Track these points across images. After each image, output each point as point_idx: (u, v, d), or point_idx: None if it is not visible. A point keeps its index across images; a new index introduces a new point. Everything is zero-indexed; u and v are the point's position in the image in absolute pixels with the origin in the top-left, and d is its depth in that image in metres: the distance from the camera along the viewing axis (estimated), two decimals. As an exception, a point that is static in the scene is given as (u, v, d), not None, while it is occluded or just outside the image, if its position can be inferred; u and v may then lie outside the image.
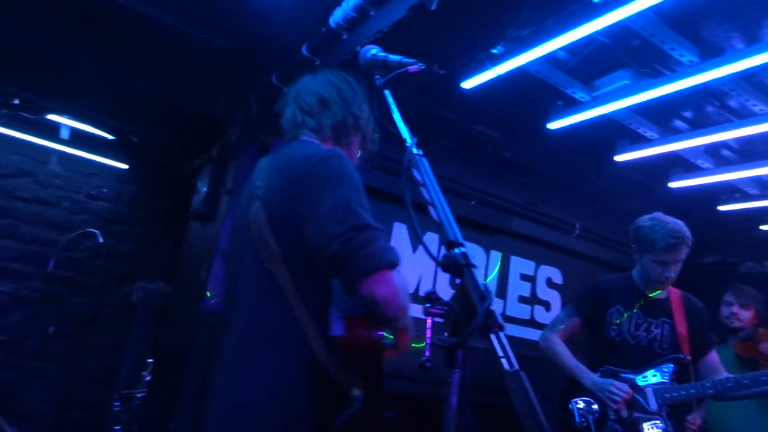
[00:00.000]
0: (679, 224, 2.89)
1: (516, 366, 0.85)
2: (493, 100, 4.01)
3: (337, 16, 2.92)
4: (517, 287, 5.32)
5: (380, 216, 4.62)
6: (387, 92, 1.49)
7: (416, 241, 4.60)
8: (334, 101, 1.80)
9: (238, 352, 1.50)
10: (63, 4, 3.57)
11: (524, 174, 5.33)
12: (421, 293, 4.69)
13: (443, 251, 1.10)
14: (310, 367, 1.41)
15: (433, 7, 2.33)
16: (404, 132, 1.38)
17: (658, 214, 2.97)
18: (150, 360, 4.06)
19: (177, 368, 3.89)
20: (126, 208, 5.69)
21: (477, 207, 4.99)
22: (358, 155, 1.92)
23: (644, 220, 3.00)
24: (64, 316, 5.24)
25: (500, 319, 0.91)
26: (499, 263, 5.20)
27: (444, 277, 4.82)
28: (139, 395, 3.97)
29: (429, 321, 1.02)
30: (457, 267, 1.01)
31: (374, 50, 1.55)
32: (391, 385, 4.55)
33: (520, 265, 5.37)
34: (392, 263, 1.39)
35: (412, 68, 1.47)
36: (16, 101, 4.49)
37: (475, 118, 4.58)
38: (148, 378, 3.96)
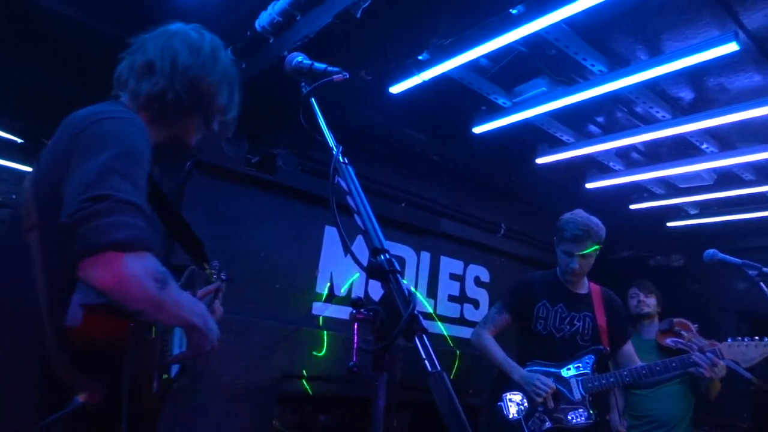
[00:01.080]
0: (592, 221, 3.07)
1: (438, 367, 0.89)
2: (421, 105, 4.11)
3: (263, 20, 2.90)
4: (447, 286, 5.46)
5: (311, 219, 4.59)
6: (313, 100, 1.49)
7: (345, 247, 4.62)
8: (160, 70, 1.53)
9: None
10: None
11: (451, 176, 5.49)
12: (355, 296, 4.72)
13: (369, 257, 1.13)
14: (37, 367, 1.19)
15: (358, 15, 2.37)
16: (330, 140, 1.39)
17: (578, 211, 3.16)
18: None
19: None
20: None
21: (406, 209, 5.09)
22: (195, 136, 1.65)
23: (565, 214, 3.19)
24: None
25: (423, 323, 0.95)
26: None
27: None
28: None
29: (355, 326, 1.05)
30: (382, 273, 1.04)
31: (300, 57, 1.53)
32: (321, 388, 4.56)
33: (449, 264, 5.52)
34: (120, 243, 1.11)
35: (337, 77, 1.48)
36: None
37: (403, 121, 4.67)
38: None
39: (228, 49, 1.73)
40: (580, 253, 3.03)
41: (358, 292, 4.75)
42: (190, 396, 3.72)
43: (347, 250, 1.14)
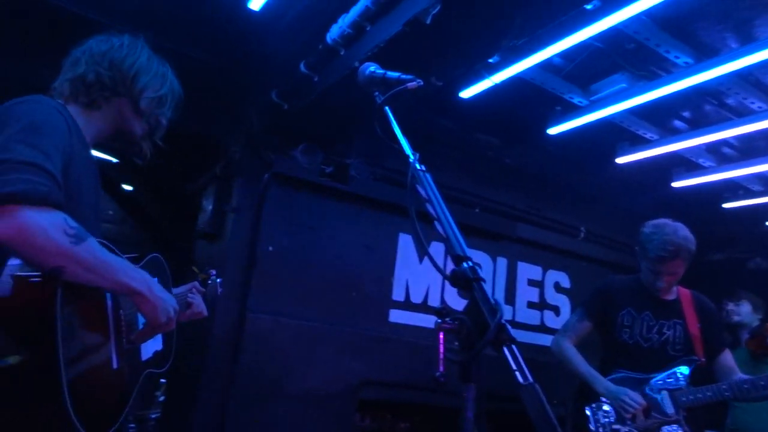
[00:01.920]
0: (679, 235, 2.81)
1: (530, 379, 0.85)
2: (492, 108, 4.04)
3: (333, 33, 2.96)
4: (526, 293, 5.31)
5: (385, 227, 4.62)
6: (387, 109, 1.49)
7: (423, 254, 4.61)
8: (81, 60, 1.62)
9: None
10: (44, 28, 3.59)
11: (526, 179, 5.35)
12: (431, 303, 4.70)
13: (450, 263, 1.11)
14: None
15: (428, 22, 2.36)
16: (406, 148, 1.38)
17: (663, 221, 2.92)
18: (163, 381, 4.07)
19: (191, 388, 3.90)
20: (132, 230, 5.74)
21: (481, 214, 5.01)
22: (135, 123, 1.68)
23: (648, 225, 2.98)
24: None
25: (512, 332, 0.92)
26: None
27: (453, 288, 4.82)
28: (153, 416, 3.97)
29: (441, 335, 1.02)
30: (465, 281, 1.02)
31: (372, 67, 1.54)
32: (405, 396, 4.56)
33: (527, 270, 5.37)
34: (16, 194, 1.15)
35: (411, 85, 1.47)
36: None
37: (474, 126, 4.62)
38: (161, 399, 3.97)
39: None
40: (669, 273, 2.84)
41: (433, 300, 4.72)
42: (270, 402, 3.83)
43: (423, 253, 1.12)
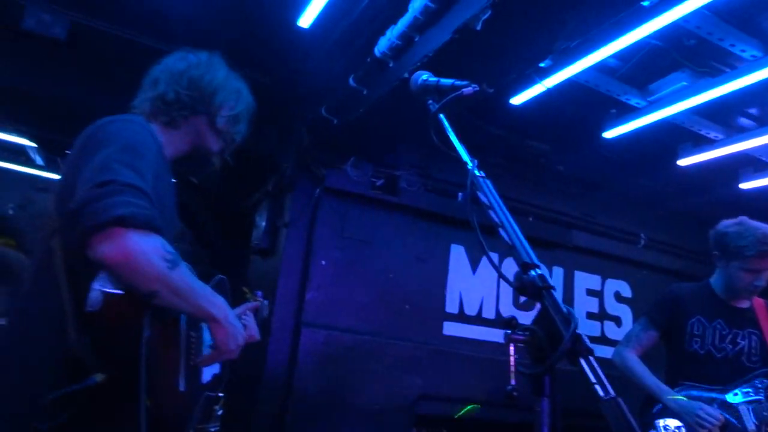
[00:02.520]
0: None
1: (612, 393, 0.80)
2: (543, 114, 3.95)
3: (381, 46, 2.97)
4: (584, 303, 5.13)
5: (436, 238, 4.57)
6: (442, 116, 1.46)
7: (491, 265, 4.54)
8: (161, 79, 1.64)
9: (3, 338, 1.36)
10: (118, 61, 3.78)
11: (581, 186, 5.20)
12: (485, 315, 4.60)
13: (509, 270, 1.07)
14: (57, 352, 1.23)
15: (478, 28, 2.33)
16: (464, 155, 1.34)
17: (744, 219, 2.77)
18: (221, 395, 4.13)
19: (248, 402, 3.95)
20: (188, 246, 5.90)
21: (534, 223, 4.88)
22: (212, 139, 1.70)
23: (729, 225, 2.81)
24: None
25: (588, 343, 0.86)
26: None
27: (507, 297, 4.72)
28: (212, 429, 4.03)
29: (511, 347, 0.97)
30: (534, 290, 0.97)
31: (425, 75, 1.51)
32: (477, 414, 4.46)
33: (584, 279, 5.19)
34: (123, 218, 1.15)
35: (467, 90, 1.43)
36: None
37: (525, 132, 4.52)
38: (220, 412, 4.03)
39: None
40: (766, 269, 2.67)
41: (488, 312, 4.62)
42: (327, 416, 3.83)
43: (494, 266, 1.08)
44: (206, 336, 1.56)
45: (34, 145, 4.72)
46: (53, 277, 1.29)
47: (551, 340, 0.92)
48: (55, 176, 5.35)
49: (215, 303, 1.36)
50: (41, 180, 5.43)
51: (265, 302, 2.21)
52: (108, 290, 1.22)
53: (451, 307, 4.52)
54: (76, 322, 1.23)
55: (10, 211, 5.40)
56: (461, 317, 4.53)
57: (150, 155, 1.37)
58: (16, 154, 5.19)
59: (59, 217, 1.33)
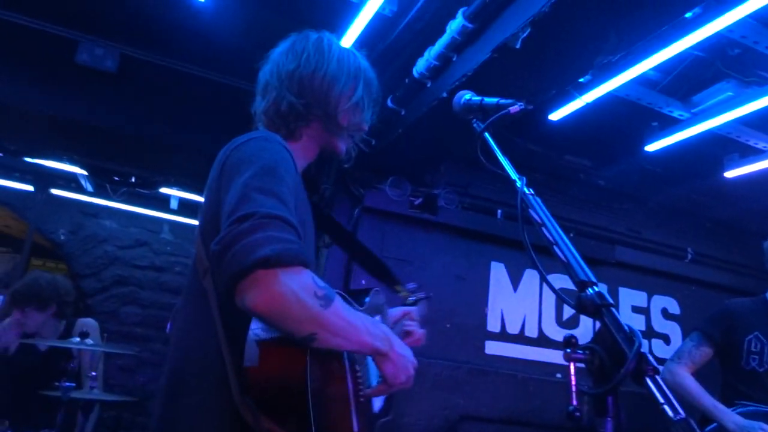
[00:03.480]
0: None
1: (682, 413, 0.78)
2: (583, 129, 3.91)
3: (420, 67, 3.00)
4: (630, 320, 4.96)
5: (476, 256, 4.54)
6: (487, 135, 1.45)
7: (547, 285, 4.49)
8: (270, 85, 1.48)
9: (162, 393, 1.25)
10: (165, 90, 3.95)
11: (623, 200, 5.10)
12: (528, 333, 4.53)
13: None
14: (227, 413, 1.13)
15: (518, 46, 2.34)
16: (512, 173, 1.33)
17: None
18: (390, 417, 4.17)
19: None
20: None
21: (576, 239, 4.80)
22: (337, 142, 1.53)
23: None
24: (181, 375, 5.55)
25: (654, 362, 0.85)
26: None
27: (549, 315, 4.63)
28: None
29: (572, 367, 0.96)
30: (594, 308, 0.96)
31: (468, 95, 1.48)
32: (497, 430, 4.37)
33: (630, 296, 5.05)
34: (268, 259, 1.01)
35: (513, 109, 1.41)
36: (133, 179, 4.96)
37: (564, 148, 4.48)
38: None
39: (356, 50, 1.61)
40: None
41: (530, 330, 4.55)
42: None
43: (550, 287, 1.07)
44: (371, 365, 1.41)
45: (84, 172, 4.93)
46: (210, 324, 1.19)
47: (613, 359, 0.90)
48: (104, 202, 5.57)
49: (378, 335, 1.21)
50: (91, 206, 5.66)
51: (421, 294, 1.89)
52: (263, 338, 1.13)
53: (493, 326, 4.46)
54: (237, 380, 1.12)
55: (62, 237, 5.64)
56: (503, 336, 4.47)
57: (289, 177, 1.22)
58: (68, 181, 5.43)
59: (207, 256, 1.21)
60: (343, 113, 1.48)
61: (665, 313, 5.15)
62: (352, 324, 1.14)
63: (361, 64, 1.55)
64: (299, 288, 1.04)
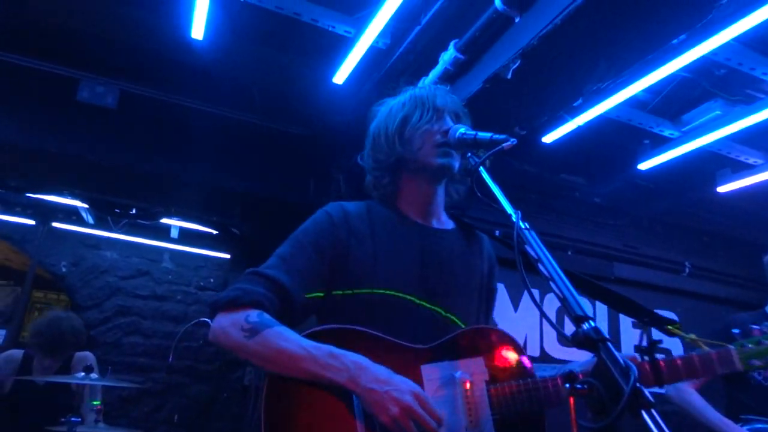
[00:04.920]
0: None
1: (677, 446, 0.81)
2: (576, 149, 3.98)
3: (414, 96, 3.07)
4: (631, 336, 5.01)
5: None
6: (482, 170, 1.46)
7: (544, 318, 4.51)
8: (364, 151, 1.63)
9: None
10: (163, 124, 4.02)
11: (619, 217, 5.15)
12: (530, 352, 4.53)
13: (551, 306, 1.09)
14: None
15: (509, 77, 2.41)
16: (508, 207, 1.35)
17: None
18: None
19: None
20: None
21: (574, 257, 4.84)
22: (424, 155, 1.50)
23: None
24: (186, 404, 5.53)
25: (649, 396, 0.88)
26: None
27: (551, 335, 4.65)
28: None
29: (571, 401, 1.00)
30: (590, 343, 1.00)
31: (462, 129, 1.48)
32: None
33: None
34: (214, 304, 1.31)
35: (506, 145, 1.40)
36: (134, 211, 5.01)
37: (558, 168, 4.55)
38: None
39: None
40: None
41: (532, 350, 4.56)
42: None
43: (549, 321, 1.11)
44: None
45: (85, 205, 4.98)
46: None
47: (611, 392, 0.94)
48: (105, 233, 5.61)
49: (331, 365, 1.19)
50: (92, 237, 5.69)
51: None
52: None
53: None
54: None
55: (63, 269, 5.66)
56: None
57: (309, 236, 1.44)
58: (68, 213, 5.47)
59: None
60: (402, 137, 1.53)
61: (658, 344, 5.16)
62: (286, 352, 1.22)
63: (406, 93, 1.62)
64: (228, 323, 1.27)
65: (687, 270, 5.29)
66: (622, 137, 3.82)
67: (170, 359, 5.40)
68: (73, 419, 2.84)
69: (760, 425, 2.63)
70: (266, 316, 1.28)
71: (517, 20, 2.30)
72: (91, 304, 5.59)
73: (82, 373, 3.03)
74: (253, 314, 1.28)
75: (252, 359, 1.25)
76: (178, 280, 5.99)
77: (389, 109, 1.60)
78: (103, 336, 5.52)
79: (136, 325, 5.68)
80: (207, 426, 5.49)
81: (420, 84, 2.97)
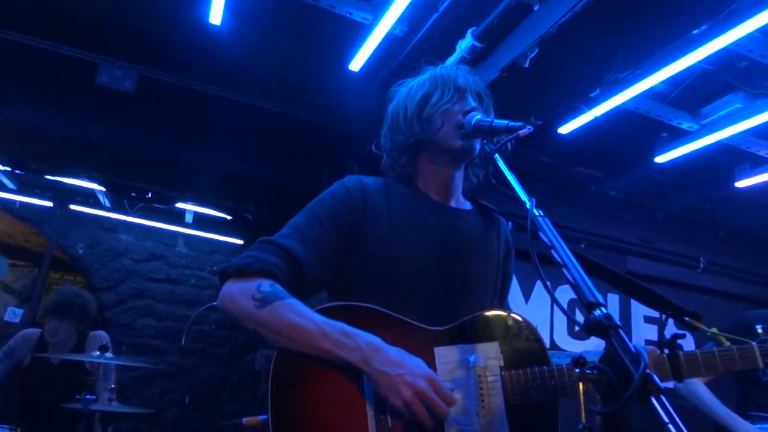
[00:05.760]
0: None
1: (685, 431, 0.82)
2: (592, 141, 3.94)
3: (430, 84, 3.06)
4: (643, 331, 4.98)
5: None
6: (498, 157, 1.44)
7: (556, 306, 4.50)
8: (383, 131, 1.60)
9: None
10: (181, 109, 4.05)
11: (634, 211, 5.10)
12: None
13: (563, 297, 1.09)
14: None
15: (526, 65, 2.39)
16: (522, 194, 1.33)
17: None
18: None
19: None
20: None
21: (587, 250, 4.81)
22: (445, 137, 1.46)
23: None
24: (197, 386, 5.61)
25: (659, 382, 0.88)
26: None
27: (561, 326, 4.64)
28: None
29: (580, 386, 1.00)
30: (602, 329, 0.99)
31: (479, 116, 1.46)
32: None
33: (642, 307, 5.04)
34: (224, 271, 1.28)
35: (522, 132, 1.37)
36: (150, 195, 5.06)
37: (574, 159, 4.51)
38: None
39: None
40: None
41: (543, 341, 4.55)
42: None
43: (559, 306, 1.11)
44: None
45: (102, 188, 5.05)
46: None
47: (620, 379, 0.94)
48: (121, 216, 5.68)
49: (344, 344, 1.17)
50: (108, 220, 5.77)
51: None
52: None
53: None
54: None
55: (80, 251, 5.75)
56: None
57: (324, 207, 1.40)
58: (86, 197, 5.55)
59: None
60: (420, 117, 1.50)
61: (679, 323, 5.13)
62: (298, 326, 1.19)
63: (426, 73, 1.58)
64: (238, 291, 1.25)
65: (702, 266, 5.24)
66: (639, 130, 3.78)
67: (183, 342, 5.47)
68: (87, 397, 2.90)
69: (765, 417, 2.62)
70: (278, 287, 1.25)
71: (536, 8, 2.28)
72: (107, 286, 5.68)
73: (97, 352, 3.09)
74: (266, 284, 1.25)
75: (260, 330, 1.22)
76: (191, 265, 6.06)
77: (409, 88, 1.56)
78: (117, 318, 5.61)
79: (149, 308, 5.76)
80: (217, 409, 5.57)
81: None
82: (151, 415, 5.27)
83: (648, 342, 5.03)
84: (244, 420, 2.48)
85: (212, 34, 3.30)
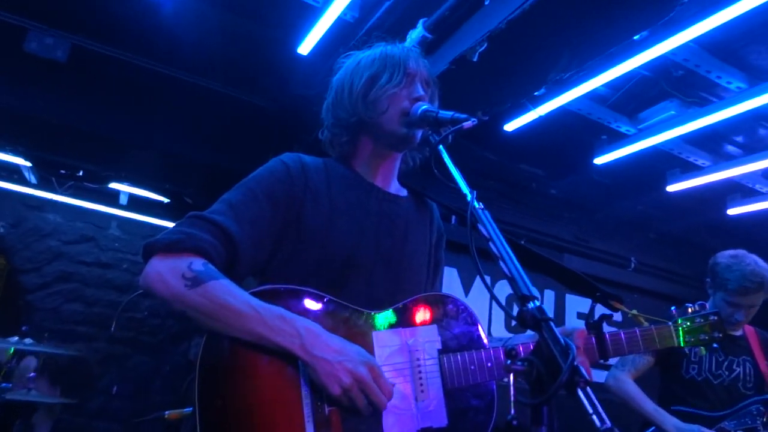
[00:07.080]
0: (761, 266, 2.67)
1: (608, 423, 0.83)
2: (536, 140, 4.03)
3: (379, 73, 3.03)
4: (575, 326, 5.17)
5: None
6: (441, 148, 1.44)
7: (495, 301, 4.56)
8: (325, 106, 1.55)
9: None
10: (118, 84, 3.84)
11: (573, 210, 5.27)
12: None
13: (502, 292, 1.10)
14: None
15: (475, 59, 2.40)
16: (464, 187, 1.34)
17: (742, 252, 2.78)
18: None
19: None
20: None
21: (526, 246, 4.93)
22: (387, 121, 1.43)
23: (723, 256, 2.84)
24: (126, 375, 5.39)
25: (586, 374, 0.89)
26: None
27: (499, 320, 4.75)
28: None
29: (511, 377, 1.00)
30: (534, 322, 1.00)
31: (425, 106, 1.46)
32: None
33: (575, 303, 5.24)
34: (148, 246, 1.18)
35: (467, 124, 1.38)
36: (81, 173, 4.79)
37: (518, 157, 4.60)
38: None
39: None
40: (749, 305, 2.71)
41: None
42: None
43: (494, 297, 1.11)
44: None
45: (28, 164, 4.73)
46: None
47: (549, 370, 0.95)
48: (48, 195, 5.36)
49: (281, 329, 1.12)
50: (34, 198, 5.43)
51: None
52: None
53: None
54: None
55: (1, 230, 5.39)
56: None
57: (262, 185, 1.33)
58: (10, 172, 5.20)
59: None
60: (367, 98, 1.45)
61: (608, 320, 5.35)
62: (232, 309, 1.12)
63: (375, 50, 1.54)
64: (166, 269, 1.15)
65: (633, 265, 5.48)
66: (581, 131, 3.89)
67: (112, 329, 5.24)
68: (3, 385, 2.73)
69: (684, 411, 2.75)
70: (211, 266, 1.17)
71: (486, 2, 2.28)
72: (31, 268, 5.34)
73: (15, 338, 2.91)
74: (198, 262, 1.16)
75: (190, 312, 1.14)
76: (125, 249, 5.80)
77: (356, 63, 1.50)
78: (41, 301, 5.30)
79: (78, 292, 5.47)
80: (147, 399, 5.37)
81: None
82: (74, 405, 5.02)
83: (580, 315, 5.23)
84: (167, 413, 2.38)
85: (155, 6, 3.14)
